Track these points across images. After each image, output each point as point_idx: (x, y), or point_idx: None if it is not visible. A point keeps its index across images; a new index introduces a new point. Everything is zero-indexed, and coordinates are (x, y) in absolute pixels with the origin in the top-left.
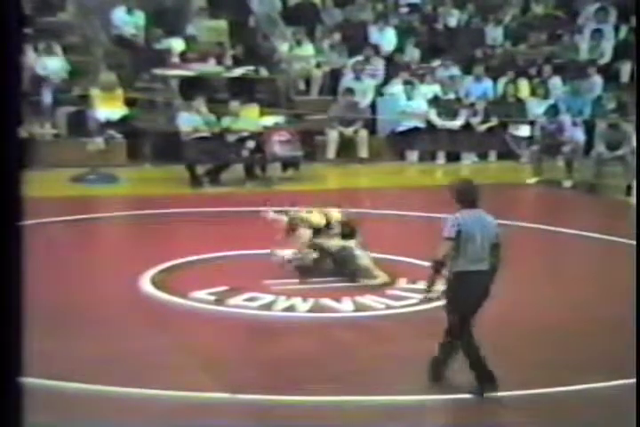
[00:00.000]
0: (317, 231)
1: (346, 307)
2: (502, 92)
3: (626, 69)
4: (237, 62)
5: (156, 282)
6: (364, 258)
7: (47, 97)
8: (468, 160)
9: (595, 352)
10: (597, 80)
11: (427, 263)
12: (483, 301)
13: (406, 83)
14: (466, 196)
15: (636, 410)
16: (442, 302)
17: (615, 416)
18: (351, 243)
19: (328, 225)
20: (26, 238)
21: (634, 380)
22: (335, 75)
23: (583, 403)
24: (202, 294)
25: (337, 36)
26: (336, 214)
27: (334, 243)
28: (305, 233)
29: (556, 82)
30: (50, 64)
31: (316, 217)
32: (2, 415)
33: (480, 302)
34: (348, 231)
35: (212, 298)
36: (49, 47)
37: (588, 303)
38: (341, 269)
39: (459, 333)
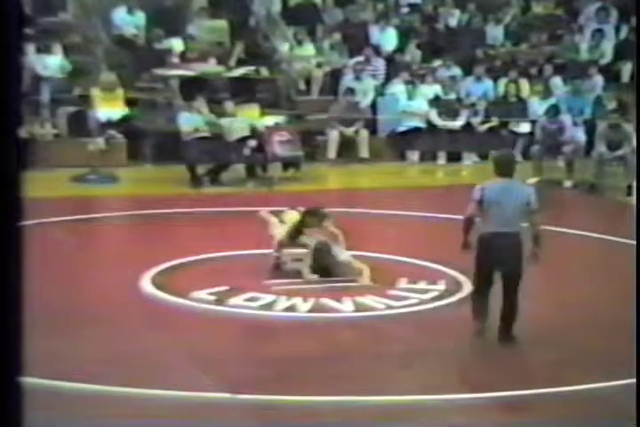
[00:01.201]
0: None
1: (346, 307)
2: (503, 92)
3: (626, 69)
4: (238, 62)
5: (156, 282)
6: (343, 253)
7: (47, 97)
8: (469, 160)
9: (595, 352)
10: (598, 80)
11: (427, 263)
12: (511, 260)
13: (407, 83)
14: (499, 166)
15: (636, 410)
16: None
17: (615, 416)
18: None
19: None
20: (26, 239)
21: (634, 380)
22: (336, 75)
23: (583, 403)
24: (202, 294)
25: (337, 36)
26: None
27: (311, 239)
28: (278, 232)
29: (556, 82)
30: (49, 64)
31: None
32: (2, 415)
33: (507, 261)
34: (315, 219)
35: (213, 298)
36: (49, 47)
37: (588, 303)
38: (320, 265)
39: (476, 285)
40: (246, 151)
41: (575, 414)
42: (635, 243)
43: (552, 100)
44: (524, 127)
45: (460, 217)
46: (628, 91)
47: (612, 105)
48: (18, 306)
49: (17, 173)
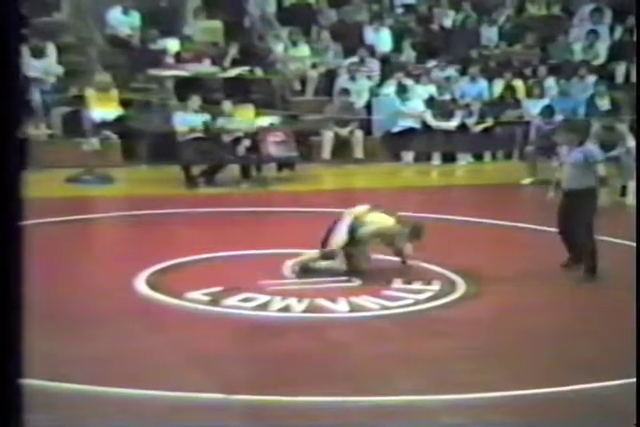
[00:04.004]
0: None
1: (341, 307)
2: (498, 92)
3: (620, 70)
4: (233, 63)
5: (150, 283)
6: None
7: (41, 97)
8: (464, 161)
9: (594, 352)
10: (592, 81)
11: (422, 264)
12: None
13: (401, 84)
14: (582, 132)
15: (636, 410)
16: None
17: (615, 416)
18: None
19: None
20: (24, 239)
21: (634, 380)
22: (330, 75)
23: (583, 403)
24: (196, 294)
25: (332, 37)
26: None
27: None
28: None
29: (551, 83)
30: (43, 64)
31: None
32: (2, 417)
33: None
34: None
35: (207, 299)
36: (42, 47)
37: (584, 303)
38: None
39: (584, 234)
40: (240, 152)
41: (575, 414)
42: (634, 244)
43: (546, 101)
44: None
45: (456, 217)
46: (622, 91)
47: (606, 106)
48: (18, 306)
49: (17, 174)
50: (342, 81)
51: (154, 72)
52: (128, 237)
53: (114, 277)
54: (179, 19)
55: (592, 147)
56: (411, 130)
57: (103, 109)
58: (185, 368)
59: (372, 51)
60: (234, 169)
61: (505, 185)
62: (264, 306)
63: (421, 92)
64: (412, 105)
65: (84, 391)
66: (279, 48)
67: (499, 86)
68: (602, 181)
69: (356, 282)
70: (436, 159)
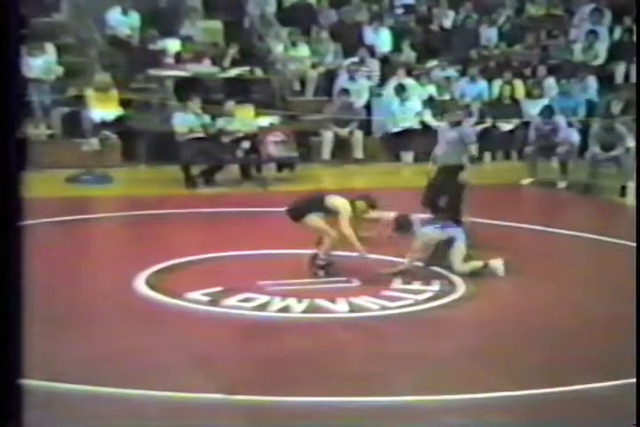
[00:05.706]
0: None
1: (341, 308)
2: (497, 93)
3: (620, 70)
4: (232, 63)
5: (150, 283)
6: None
7: (41, 98)
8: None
9: (593, 353)
10: (592, 81)
11: (421, 264)
12: None
13: (401, 84)
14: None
15: (636, 410)
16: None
17: (615, 416)
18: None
19: None
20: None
21: (634, 380)
22: (330, 75)
23: (583, 403)
24: (196, 294)
25: (332, 37)
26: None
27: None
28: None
29: (550, 83)
30: (43, 65)
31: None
32: (2, 417)
33: None
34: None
35: (207, 299)
36: (43, 48)
37: (583, 304)
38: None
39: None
40: (240, 152)
41: (575, 414)
42: (635, 244)
43: (545, 101)
44: (507, 126)
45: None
46: (622, 92)
47: (605, 106)
48: (18, 307)
49: (17, 174)
50: (342, 81)
51: (154, 72)
52: (128, 237)
53: (114, 277)
54: (178, 19)
55: (468, 128)
56: (410, 130)
57: (103, 110)
58: (185, 368)
59: (371, 51)
60: (234, 169)
61: (505, 185)
62: (264, 306)
63: (421, 92)
64: (412, 105)
65: (84, 391)
66: (279, 48)
67: (498, 87)
68: (472, 159)
69: (356, 282)
70: None
